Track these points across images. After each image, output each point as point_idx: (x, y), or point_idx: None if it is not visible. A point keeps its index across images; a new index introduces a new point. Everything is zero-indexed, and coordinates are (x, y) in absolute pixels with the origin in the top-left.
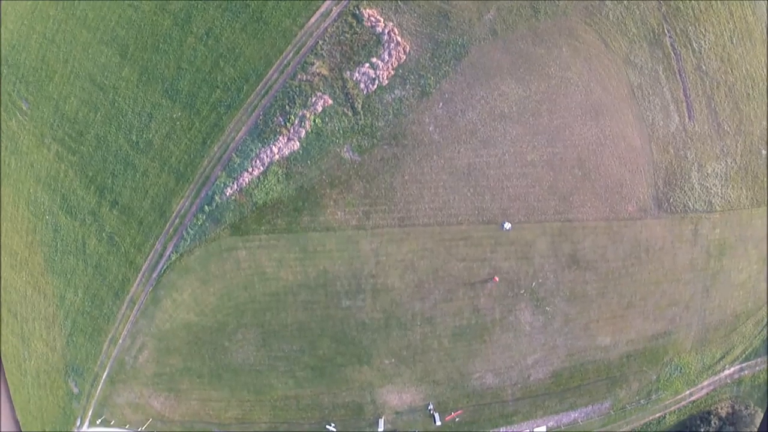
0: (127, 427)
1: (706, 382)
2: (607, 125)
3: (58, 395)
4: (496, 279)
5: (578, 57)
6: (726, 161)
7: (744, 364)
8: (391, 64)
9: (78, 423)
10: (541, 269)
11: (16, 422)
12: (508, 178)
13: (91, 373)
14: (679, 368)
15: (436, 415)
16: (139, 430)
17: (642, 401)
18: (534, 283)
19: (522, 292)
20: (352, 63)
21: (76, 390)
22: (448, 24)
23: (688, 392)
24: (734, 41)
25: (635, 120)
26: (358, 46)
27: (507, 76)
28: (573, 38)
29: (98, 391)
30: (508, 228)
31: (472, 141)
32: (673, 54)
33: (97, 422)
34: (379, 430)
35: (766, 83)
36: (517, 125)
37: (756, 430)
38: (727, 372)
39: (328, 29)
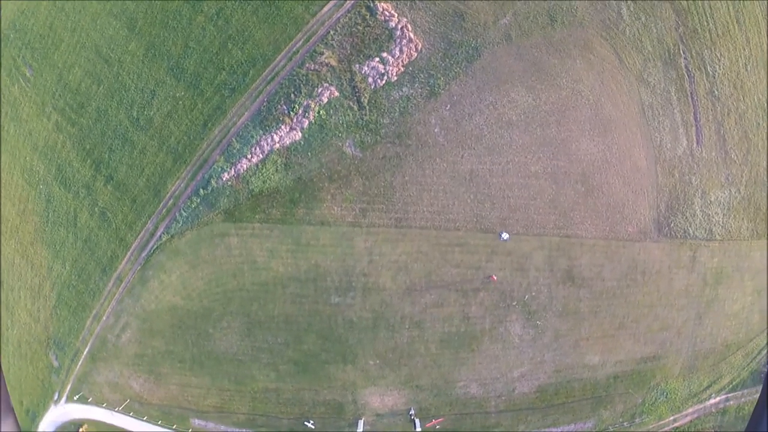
0: (104, 405)
1: (690, 410)
2: (614, 143)
3: (38, 367)
4: (494, 278)
5: (591, 70)
6: (730, 190)
7: (730, 395)
8: (402, 61)
9: (56, 397)
10: (536, 282)
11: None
12: (510, 187)
13: (73, 347)
14: (665, 393)
15: (417, 421)
16: (116, 410)
17: (625, 424)
18: (527, 296)
19: (514, 303)
20: (362, 56)
21: (56, 363)
22: (463, 25)
23: (671, 418)
24: (748, 69)
25: (643, 140)
26: (369, 39)
27: (518, 84)
28: (587, 50)
29: (78, 367)
30: (505, 238)
31: (476, 147)
32: (686, 76)
33: (75, 398)
34: (358, 431)
35: None
36: (524, 134)
37: None
38: (712, 401)
39: (341, 20)
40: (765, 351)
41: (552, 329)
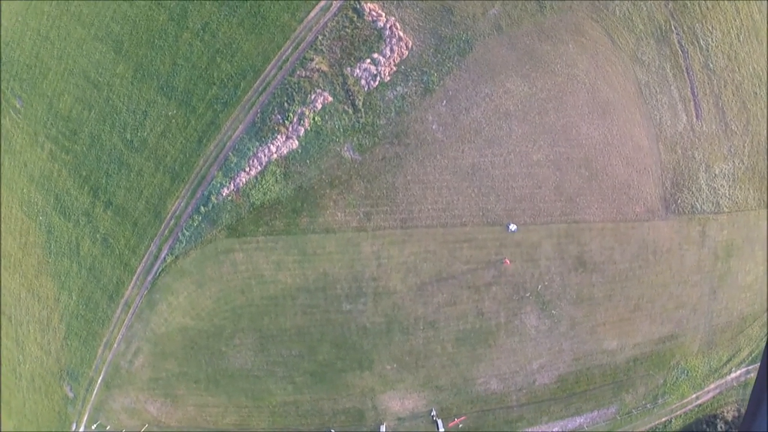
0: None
1: (712, 386)
2: (614, 124)
3: (53, 399)
4: (508, 261)
5: (585, 54)
6: (733, 162)
7: (750, 367)
8: (393, 60)
9: (74, 427)
10: (548, 272)
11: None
12: (514, 178)
13: (87, 377)
14: (685, 372)
15: (439, 422)
16: None
17: (648, 405)
18: (540, 286)
19: (528, 295)
20: (352, 59)
21: (71, 394)
22: (452, 19)
23: (694, 396)
24: (741, 39)
25: (642, 119)
26: (359, 41)
27: (512, 73)
28: (579, 34)
29: (93, 396)
30: (513, 230)
31: (476, 140)
32: (680, 51)
33: (93, 427)
34: None
35: None
36: (523, 124)
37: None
38: (733, 375)
39: (328, 24)
40: None
41: (568, 317)
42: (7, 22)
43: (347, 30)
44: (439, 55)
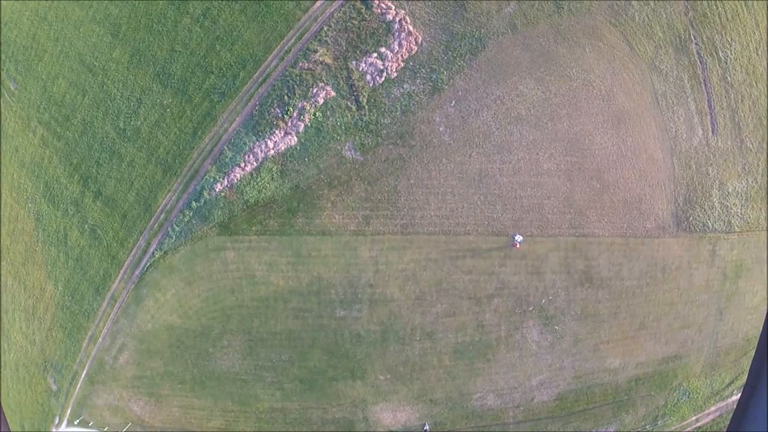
0: (106, 429)
1: (713, 408)
2: (629, 135)
3: (36, 391)
4: (518, 246)
5: (602, 59)
6: (747, 180)
7: None
8: (401, 56)
9: (57, 421)
10: (552, 285)
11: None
12: (522, 187)
13: (70, 370)
14: (687, 393)
15: None
16: None
17: (648, 427)
18: (544, 300)
19: (531, 308)
20: (358, 52)
21: (54, 387)
22: (465, 15)
23: (694, 418)
24: (759, 53)
25: (658, 131)
26: (365, 34)
27: (526, 76)
28: (597, 38)
29: (77, 390)
30: (519, 240)
31: (485, 145)
32: (699, 62)
33: (75, 422)
34: None
35: None
36: (535, 130)
37: None
38: (734, 398)
39: (335, 14)
40: None
41: (571, 334)
42: (5, 1)
43: (354, 21)
44: (449, 53)
